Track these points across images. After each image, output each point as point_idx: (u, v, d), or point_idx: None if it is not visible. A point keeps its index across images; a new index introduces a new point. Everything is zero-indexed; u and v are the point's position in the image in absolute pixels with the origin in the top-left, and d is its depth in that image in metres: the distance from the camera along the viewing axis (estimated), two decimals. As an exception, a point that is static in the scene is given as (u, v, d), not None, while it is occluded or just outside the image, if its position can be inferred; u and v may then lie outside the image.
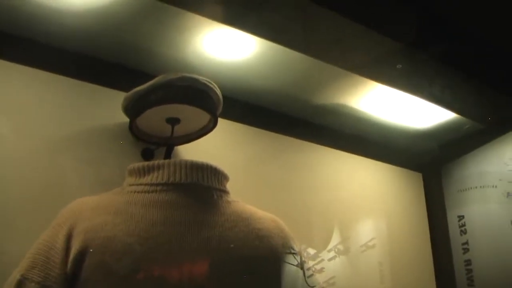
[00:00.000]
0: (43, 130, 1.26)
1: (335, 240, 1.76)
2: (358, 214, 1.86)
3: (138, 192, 1.06)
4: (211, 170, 1.12)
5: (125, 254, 0.94)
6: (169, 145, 1.38)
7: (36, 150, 1.23)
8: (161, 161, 1.09)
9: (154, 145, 1.36)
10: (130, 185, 1.09)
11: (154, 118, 1.28)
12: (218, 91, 1.26)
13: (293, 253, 1.14)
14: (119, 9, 1.22)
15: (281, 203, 1.63)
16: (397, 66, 1.44)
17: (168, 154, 1.36)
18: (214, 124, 1.33)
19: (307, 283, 1.15)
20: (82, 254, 0.93)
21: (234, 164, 1.56)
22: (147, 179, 1.08)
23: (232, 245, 1.04)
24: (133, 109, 1.25)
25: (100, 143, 1.33)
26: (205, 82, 1.22)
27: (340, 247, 1.76)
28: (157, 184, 1.06)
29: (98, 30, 1.28)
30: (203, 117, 1.31)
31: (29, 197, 1.18)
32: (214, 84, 1.25)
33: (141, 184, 1.07)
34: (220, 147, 1.56)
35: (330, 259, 1.72)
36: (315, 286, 1.18)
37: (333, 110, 1.75)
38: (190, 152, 1.44)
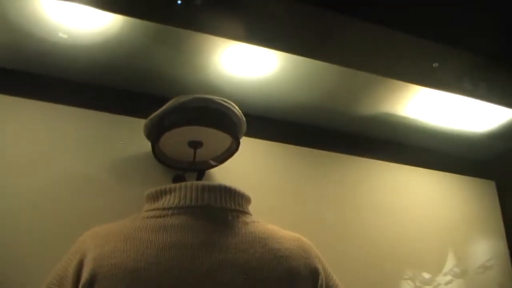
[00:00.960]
0: (72, 163, 1.31)
1: (447, 262, 1.68)
2: (446, 233, 1.74)
3: (150, 217, 1.05)
4: (225, 191, 1.09)
5: (133, 280, 0.93)
6: (200, 169, 1.37)
7: (65, 183, 1.28)
8: (173, 185, 1.08)
9: (181, 170, 1.35)
10: (146, 211, 1.09)
11: (176, 143, 1.28)
12: (237, 110, 1.23)
13: (316, 274, 1.06)
14: (133, 39, 1.25)
15: (357, 227, 1.59)
16: (434, 65, 1.33)
17: (200, 179, 1.35)
18: (237, 144, 1.29)
19: None
20: (91, 282, 0.93)
21: (280, 185, 1.53)
22: (160, 204, 1.07)
23: (245, 268, 0.99)
24: (151, 135, 1.25)
25: (131, 172, 1.36)
26: (220, 101, 1.19)
27: (457, 269, 1.69)
28: (169, 208, 1.05)
29: (114, 61, 1.32)
30: (226, 139, 1.28)
31: (60, 227, 1.22)
32: (231, 103, 1.22)
33: (154, 209, 1.07)
34: (260, 168, 1.53)
35: (447, 283, 1.65)
36: None
37: (379, 120, 1.64)
38: (223, 174, 1.42)
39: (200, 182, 1.08)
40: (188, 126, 1.19)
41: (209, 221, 1.04)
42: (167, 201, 1.06)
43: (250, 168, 1.49)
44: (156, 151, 1.29)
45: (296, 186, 1.56)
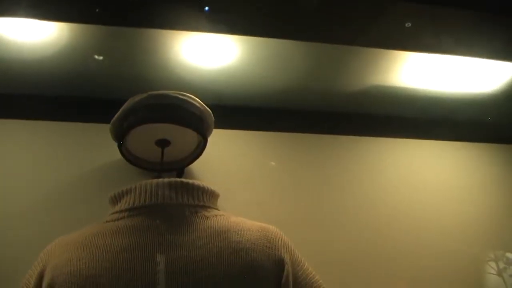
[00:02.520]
0: (47, 176, 1.33)
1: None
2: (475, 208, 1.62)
3: (108, 221, 1.03)
4: (182, 186, 1.04)
5: (88, 286, 0.91)
6: (179, 168, 1.33)
7: (41, 195, 1.30)
8: (129, 186, 1.05)
9: (156, 172, 1.32)
10: (109, 215, 1.07)
11: (144, 144, 1.25)
12: (197, 102, 1.19)
13: (281, 264, 0.99)
14: (88, 45, 1.23)
15: (361, 212, 1.51)
16: (406, 25, 1.23)
17: (179, 177, 1.31)
18: (203, 137, 1.24)
19: None
20: None
21: (270, 174, 1.47)
22: (118, 206, 1.05)
23: (202, 264, 0.94)
24: (116, 139, 1.23)
25: (108, 178, 1.34)
26: (175, 95, 1.15)
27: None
28: (125, 210, 1.02)
29: (73, 69, 1.31)
30: (193, 134, 1.24)
31: (37, 239, 1.20)
32: (189, 96, 1.18)
33: (113, 213, 1.05)
34: (243, 159, 1.48)
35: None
36: None
37: (368, 95, 1.53)
38: (203, 170, 1.38)
39: (155, 180, 1.04)
40: (148, 125, 1.16)
41: (165, 220, 1.00)
42: (124, 203, 1.04)
43: (233, 160, 1.44)
44: (126, 154, 1.27)
45: (290, 173, 1.50)
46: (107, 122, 1.29)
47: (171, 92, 1.15)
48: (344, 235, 1.45)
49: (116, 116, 1.18)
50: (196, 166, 1.38)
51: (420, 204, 1.56)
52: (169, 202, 1.02)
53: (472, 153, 1.69)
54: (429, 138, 1.66)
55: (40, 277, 0.96)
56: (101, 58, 1.27)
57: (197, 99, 1.19)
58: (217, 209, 1.08)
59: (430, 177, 1.60)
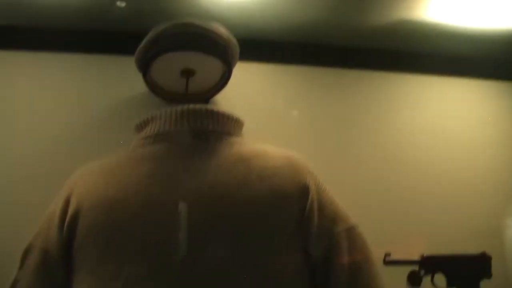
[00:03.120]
0: (72, 108, 1.36)
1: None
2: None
3: (134, 147, 1.04)
4: (207, 113, 1.04)
5: (113, 211, 0.92)
6: (203, 99, 1.34)
7: (67, 127, 1.33)
8: (154, 113, 1.05)
9: (179, 103, 1.32)
10: (134, 141, 1.08)
11: (169, 74, 1.26)
12: (222, 31, 1.17)
13: (306, 190, 0.98)
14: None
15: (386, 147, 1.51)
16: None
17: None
18: (228, 66, 1.23)
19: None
20: (75, 217, 0.94)
21: (293, 108, 1.47)
22: (143, 133, 1.05)
23: (227, 190, 0.94)
24: (141, 69, 1.23)
25: (132, 110, 1.35)
26: (200, 24, 1.14)
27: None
28: (150, 137, 1.03)
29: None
30: (218, 64, 1.23)
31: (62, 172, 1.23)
32: (214, 25, 1.16)
33: (139, 139, 1.05)
34: (268, 92, 1.49)
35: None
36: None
37: (395, 30, 1.49)
38: (228, 101, 1.38)
39: (180, 107, 1.04)
40: (173, 54, 1.16)
41: (189, 145, 1.00)
42: (149, 129, 1.04)
43: (257, 94, 1.44)
44: (150, 85, 1.28)
45: (310, 108, 1.50)
46: (132, 54, 1.30)
47: (196, 21, 1.14)
48: (368, 174, 1.47)
49: (140, 45, 1.18)
50: (220, 99, 1.38)
51: (445, 147, 1.55)
52: (194, 128, 1.02)
53: (503, 92, 1.65)
54: (459, 75, 1.63)
55: (66, 204, 0.96)
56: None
57: (222, 28, 1.18)
58: (241, 136, 1.08)
59: (458, 116, 1.59)
